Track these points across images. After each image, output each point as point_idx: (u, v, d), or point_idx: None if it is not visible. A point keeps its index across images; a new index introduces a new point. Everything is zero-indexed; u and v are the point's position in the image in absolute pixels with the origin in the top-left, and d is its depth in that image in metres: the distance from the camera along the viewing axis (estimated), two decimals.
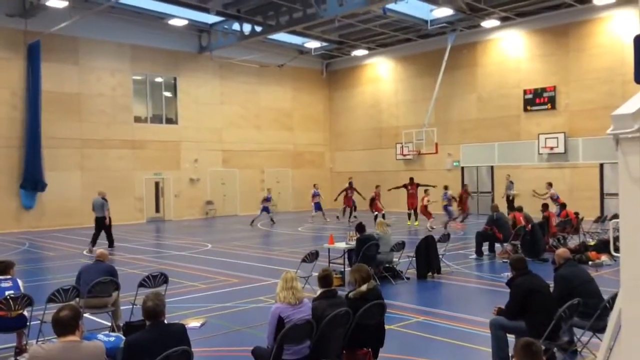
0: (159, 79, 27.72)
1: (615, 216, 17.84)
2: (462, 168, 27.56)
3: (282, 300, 5.43)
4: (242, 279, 12.00)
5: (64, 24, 21.53)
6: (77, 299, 7.41)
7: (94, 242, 16.27)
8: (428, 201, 21.18)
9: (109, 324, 7.80)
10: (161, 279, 8.12)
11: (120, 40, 25.52)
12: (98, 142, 24.96)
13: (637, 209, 2.57)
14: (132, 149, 25.99)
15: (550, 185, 20.29)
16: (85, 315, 7.58)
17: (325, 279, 5.95)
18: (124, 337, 7.01)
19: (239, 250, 16.67)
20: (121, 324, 7.55)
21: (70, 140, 24.24)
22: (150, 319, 4.53)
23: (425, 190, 21.68)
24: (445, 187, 22.04)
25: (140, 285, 7.85)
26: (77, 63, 24.56)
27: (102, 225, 16.75)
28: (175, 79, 27.76)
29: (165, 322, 4.77)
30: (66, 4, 20.57)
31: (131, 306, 7.94)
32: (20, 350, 6.92)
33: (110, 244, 16.83)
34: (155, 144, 26.74)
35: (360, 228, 11.42)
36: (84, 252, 16.05)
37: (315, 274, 10.62)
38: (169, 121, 27.84)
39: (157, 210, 27.73)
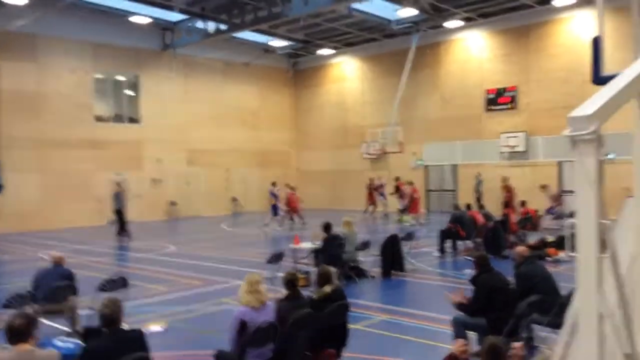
0: (121, 78, 27.19)
1: (572, 214, 18.32)
2: (426, 167, 27.85)
3: (246, 304, 5.37)
4: (206, 281, 11.85)
5: (22, 21, 20.92)
6: (33, 304, 7.18)
7: (121, 230, 18.38)
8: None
9: (67, 328, 7.58)
10: (120, 282, 7.94)
11: (81, 37, 24.92)
12: (58, 142, 24.31)
13: (593, 209, 2.60)
14: (92, 149, 25.41)
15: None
16: (42, 320, 7.37)
17: (290, 282, 5.92)
18: (82, 343, 6.85)
19: (203, 252, 16.46)
20: (79, 329, 7.35)
21: (29, 141, 23.55)
22: (108, 325, 4.41)
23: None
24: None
25: (100, 289, 7.66)
26: (35, 61, 23.89)
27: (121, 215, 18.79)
28: (137, 77, 27.27)
29: (125, 327, 4.65)
30: (26, 1, 20.00)
31: (90, 311, 7.74)
32: None
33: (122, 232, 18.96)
34: (117, 144, 26.19)
35: (326, 227, 11.42)
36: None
37: (281, 274, 10.61)
38: (132, 120, 27.33)
39: None
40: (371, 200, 25.22)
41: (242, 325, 5.25)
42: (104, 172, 25.70)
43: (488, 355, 3.86)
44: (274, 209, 22.23)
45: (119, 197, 19.10)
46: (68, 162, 24.55)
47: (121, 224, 19.16)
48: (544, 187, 19.95)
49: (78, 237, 20.16)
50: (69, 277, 7.72)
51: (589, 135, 2.56)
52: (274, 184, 23.12)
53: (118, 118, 26.96)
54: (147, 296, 10.36)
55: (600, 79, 4.73)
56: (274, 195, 22.41)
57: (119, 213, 18.99)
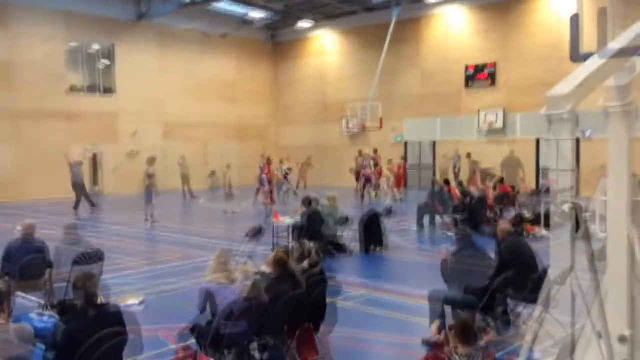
0: (95, 47, 26.55)
1: (548, 190, 18.60)
2: (405, 142, 27.91)
3: (212, 280, 5.35)
4: (184, 255, 11.80)
5: None
6: (6, 278, 7.07)
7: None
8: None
9: (42, 301, 7.49)
10: (96, 255, 7.83)
11: (53, 6, 24.19)
12: (30, 113, 23.75)
13: (565, 186, 2.61)
14: (66, 121, 24.90)
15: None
16: (17, 293, 7.27)
17: (280, 259, 5.84)
18: (57, 316, 6.78)
19: (180, 226, 16.38)
20: (54, 303, 7.27)
21: (0, 111, 22.99)
22: (83, 300, 4.35)
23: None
24: None
25: (75, 262, 7.53)
26: (6, 28, 23.18)
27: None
28: (112, 46, 26.65)
29: (101, 302, 4.61)
30: None
31: (65, 284, 7.64)
32: None
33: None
34: (92, 115, 25.68)
35: (308, 202, 11.41)
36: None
37: (260, 249, 10.61)
38: (106, 91, 26.78)
39: (95, 184, 26.84)
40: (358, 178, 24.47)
41: (209, 296, 5.26)
42: (79, 144, 25.24)
43: (459, 332, 3.91)
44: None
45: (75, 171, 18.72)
46: (41, 133, 24.06)
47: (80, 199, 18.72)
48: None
49: (52, 209, 19.86)
50: (42, 250, 7.60)
51: (566, 115, 2.56)
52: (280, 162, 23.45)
53: (92, 88, 26.40)
54: (124, 269, 10.28)
55: (578, 57, 4.73)
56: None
57: (78, 187, 18.65)
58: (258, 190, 20.24)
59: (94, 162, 26.65)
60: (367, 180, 21.97)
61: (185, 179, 24.95)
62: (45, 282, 7.45)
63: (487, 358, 3.79)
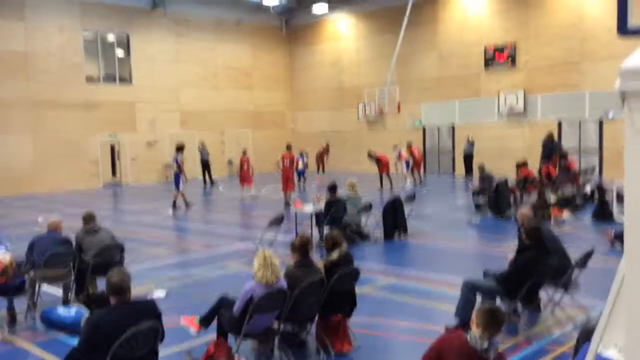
0: (111, 37, 26.47)
1: (586, 172, 18.17)
2: (424, 128, 27.55)
3: (260, 279, 5.15)
4: (207, 244, 11.71)
5: None
6: (31, 272, 7.01)
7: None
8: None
9: (68, 295, 7.41)
10: (117, 246, 7.72)
11: None
12: (48, 103, 23.80)
13: None
14: (85, 111, 24.92)
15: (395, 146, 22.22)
16: (42, 285, 7.21)
17: (302, 247, 5.71)
18: (85, 310, 6.71)
19: (202, 215, 16.31)
20: (82, 296, 7.20)
21: (19, 102, 23.06)
22: (116, 295, 4.22)
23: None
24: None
25: (95, 255, 7.42)
26: (22, 19, 23.17)
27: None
28: (128, 36, 26.56)
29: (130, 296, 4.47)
30: None
31: (88, 276, 7.55)
32: None
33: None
34: (109, 104, 25.68)
35: (332, 189, 11.24)
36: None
37: (281, 237, 10.48)
38: (123, 81, 26.74)
39: (114, 174, 26.94)
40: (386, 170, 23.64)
41: (250, 300, 5.08)
42: (97, 134, 25.33)
43: (486, 319, 3.74)
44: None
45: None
46: (60, 124, 24.12)
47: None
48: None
49: (73, 200, 19.93)
50: (67, 241, 7.52)
51: None
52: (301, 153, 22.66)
53: (109, 78, 26.37)
54: (146, 260, 10.21)
55: (627, 30, 4.44)
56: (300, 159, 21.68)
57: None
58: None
59: (112, 152, 26.69)
60: (385, 166, 21.39)
61: (205, 165, 24.91)
62: (70, 273, 7.37)
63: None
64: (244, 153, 20.18)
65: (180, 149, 16.85)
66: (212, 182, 24.70)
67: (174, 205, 16.56)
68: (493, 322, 3.75)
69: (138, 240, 11.97)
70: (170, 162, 17.29)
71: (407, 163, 22.13)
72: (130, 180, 26.29)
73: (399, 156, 22.22)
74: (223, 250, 10.96)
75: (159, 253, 10.92)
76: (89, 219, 7.86)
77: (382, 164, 21.10)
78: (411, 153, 22.42)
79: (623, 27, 4.61)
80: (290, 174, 17.20)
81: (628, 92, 2.41)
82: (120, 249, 7.77)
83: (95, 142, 25.39)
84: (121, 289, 4.19)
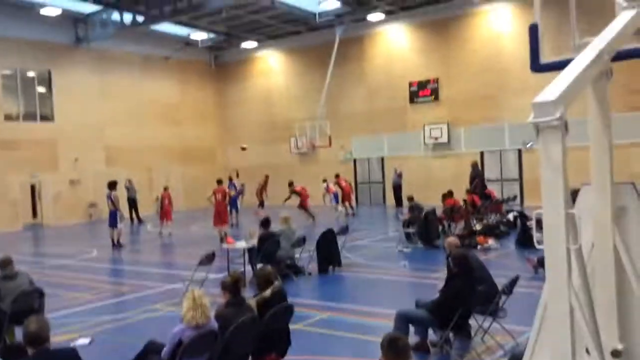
0: (31, 74, 25.49)
1: (508, 200, 19.01)
2: (355, 160, 28.01)
3: (189, 321, 4.96)
4: (133, 286, 11.25)
5: None
6: None
7: None
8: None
9: None
10: (36, 292, 7.27)
11: None
12: None
13: (559, 197, 2.49)
14: (3, 150, 23.69)
15: (323, 181, 23.03)
16: None
17: (233, 286, 5.57)
18: None
19: (129, 256, 15.72)
20: None
21: None
22: (34, 345, 3.95)
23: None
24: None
25: (14, 301, 6.95)
26: None
27: None
28: (49, 72, 25.66)
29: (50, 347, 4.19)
30: None
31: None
32: None
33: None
34: (30, 143, 24.53)
35: (265, 223, 11.12)
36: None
37: (212, 276, 10.22)
38: (44, 118, 25.71)
39: (35, 215, 25.60)
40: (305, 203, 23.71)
41: (179, 343, 4.88)
42: (17, 174, 24.08)
43: (389, 350, 3.73)
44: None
45: None
46: None
47: None
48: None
49: None
50: None
51: (555, 121, 2.45)
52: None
53: (29, 116, 25.29)
54: (70, 306, 9.67)
55: (539, 66, 4.72)
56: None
57: None
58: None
59: (33, 192, 25.42)
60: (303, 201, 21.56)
61: (132, 203, 24.23)
62: None
63: None
64: (165, 189, 20.18)
65: (112, 185, 16.47)
66: (139, 220, 24.04)
67: (118, 243, 16.12)
68: (397, 351, 3.72)
69: (60, 284, 11.35)
70: (105, 200, 16.90)
71: (336, 195, 22.47)
72: (52, 221, 25.06)
73: (327, 190, 22.60)
74: (151, 292, 10.56)
75: (83, 297, 10.38)
76: (5, 263, 7.39)
77: (301, 198, 21.25)
78: (339, 185, 22.82)
79: (535, 64, 4.91)
80: (223, 209, 17.02)
81: (541, 125, 2.53)
82: (40, 294, 7.32)
83: (14, 182, 24.12)
84: (39, 338, 3.93)
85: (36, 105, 25.63)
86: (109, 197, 16.44)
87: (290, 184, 22.33)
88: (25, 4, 23.05)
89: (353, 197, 23.45)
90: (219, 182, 17.93)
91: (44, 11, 22.98)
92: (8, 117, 24.31)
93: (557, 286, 2.48)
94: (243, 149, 23.75)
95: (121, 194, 24.44)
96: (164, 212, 19.17)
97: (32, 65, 25.15)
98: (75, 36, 26.20)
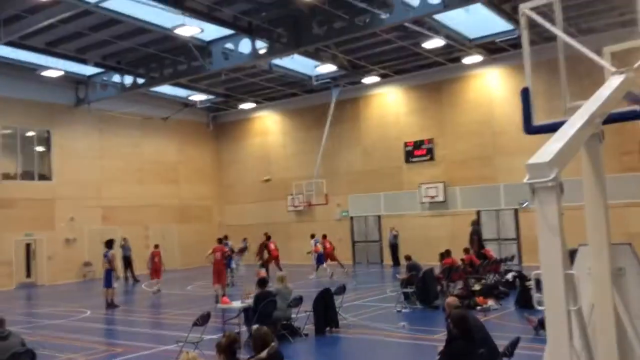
0: (30, 133, 25.78)
1: (505, 260, 18.94)
2: (351, 218, 28.03)
3: None
4: (126, 347, 11.02)
5: None
6: None
7: None
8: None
9: None
10: (27, 356, 7.11)
11: None
12: None
13: (557, 258, 2.52)
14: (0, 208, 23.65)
15: (312, 236, 23.42)
16: None
17: (229, 348, 5.48)
18: None
19: (122, 316, 15.45)
20: None
21: None
22: None
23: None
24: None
25: None
26: None
27: None
28: (49, 132, 25.95)
29: None
30: None
31: None
32: None
33: None
34: (26, 202, 24.51)
35: (262, 282, 11.02)
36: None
37: (207, 337, 10.03)
38: (42, 177, 25.81)
39: (29, 274, 25.24)
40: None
41: None
42: (12, 232, 23.95)
43: None
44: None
45: None
46: None
47: None
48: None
49: None
50: None
51: (550, 182, 2.51)
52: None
53: (27, 175, 25.40)
54: None
55: (532, 129, 4.86)
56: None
57: None
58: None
59: (28, 251, 25.18)
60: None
61: (127, 262, 24.07)
62: None
63: None
64: (156, 247, 20.85)
65: (109, 244, 16.39)
66: (134, 279, 23.81)
67: (112, 303, 15.91)
68: None
69: (52, 345, 11.10)
70: (103, 259, 16.77)
71: (320, 255, 22.47)
72: (46, 280, 24.73)
73: (314, 249, 22.70)
74: (145, 354, 10.34)
75: (76, 358, 10.13)
76: None
77: (270, 254, 21.90)
78: (324, 245, 22.91)
79: (528, 126, 5.05)
80: (222, 267, 17.15)
81: (536, 186, 2.59)
82: (31, 356, 7.17)
83: (10, 241, 23.95)
84: None
85: (34, 164, 25.79)
86: (106, 255, 16.34)
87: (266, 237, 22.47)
88: (28, 67, 23.53)
89: (334, 256, 23.31)
90: (219, 240, 18.43)
91: (45, 73, 23.45)
92: (6, 176, 24.39)
93: (559, 347, 2.48)
94: (267, 180, 24.00)
95: (117, 253, 24.40)
96: (154, 269, 19.72)
97: (32, 125, 25.46)
98: (76, 97, 26.65)
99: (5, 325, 7.35)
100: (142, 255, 25.43)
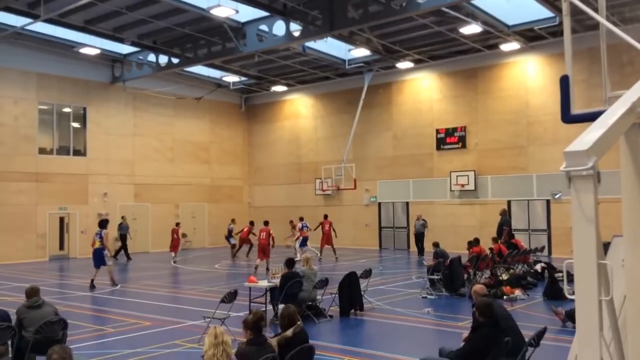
0: (67, 109, 26.32)
1: (534, 250, 18.69)
2: (379, 204, 27.97)
3: (210, 359, 4.94)
4: (154, 321, 11.27)
5: None
6: None
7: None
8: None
9: None
10: (60, 325, 7.34)
11: (25, 67, 24.09)
12: None
13: (591, 248, 2.48)
14: (35, 182, 24.31)
15: (301, 219, 23.86)
16: None
17: (255, 325, 5.57)
18: None
19: (151, 290, 15.78)
20: None
21: None
22: None
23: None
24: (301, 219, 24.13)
25: (36, 332, 7.03)
26: None
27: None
28: (85, 109, 26.46)
29: None
30: None
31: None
32: None
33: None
34: (61, 176, 25.15)
35: (289, 263, 11.12)
36: None
37: (234, 314, 10.20)
38: (77, 153, 26.38)
39: (62, 247, 25.94)
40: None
41: None
42: (47, 205, 24.62)
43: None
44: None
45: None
46: (6, 195, 23.37)
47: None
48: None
49: (17, 274, 19.03)
50: (4, 318, 7.13)
51: (587, 171, 2.47)
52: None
53: (63, 150, 25.99)
54: (92, 338, 9.72)
55: (570, 117, 4.76)
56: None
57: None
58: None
59: (62, 224, 25.85)
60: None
61: (123, 240, 24.64)
62: (7, 351, 6.94)
63: None
64: (177, 224, 23.87)
65: (104, 224, 16.32)
66: (127, 257, 24.22)
67: (113, 281, 16.14)
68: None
69: (83, 316, 11.43)
70: (94, 238, 16.38)
71: (305, 239, 22.46)
72: (79, 253, 25.38)
73: (301, 233, 22.79)
74: (173, 328, 10.56)
75: (104, 330, 10.42)
76: (32, 293, 7.52)
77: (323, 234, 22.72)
78: (323, 227, 22.93)
79: (566, 115, 4.95)
80: (267, 246, 19.12)
81: (573, 174, 2.54)
82: (63, 325, 7.39)
83: (44, 215, 24.63)
84: None
85: (70, 140, 26.36)
86: (99, 234, 16.00)
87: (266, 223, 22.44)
88: (66, 44, 23.97)
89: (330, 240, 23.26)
90: (266, 223, 20.16)
91: (83, 51, 23.85)
92: (42, 151, 25.00)
93: (588, 338, 2.45)
94: (184, 235, 24.54)
95: (147, 228, 24.91)
96: (174, 245, 22.85)
97: (68, 101, 25.97)
98: (112, 75, 27.08)
99: (40, 295, 7.58)
100: (170, 233, 25.87)
